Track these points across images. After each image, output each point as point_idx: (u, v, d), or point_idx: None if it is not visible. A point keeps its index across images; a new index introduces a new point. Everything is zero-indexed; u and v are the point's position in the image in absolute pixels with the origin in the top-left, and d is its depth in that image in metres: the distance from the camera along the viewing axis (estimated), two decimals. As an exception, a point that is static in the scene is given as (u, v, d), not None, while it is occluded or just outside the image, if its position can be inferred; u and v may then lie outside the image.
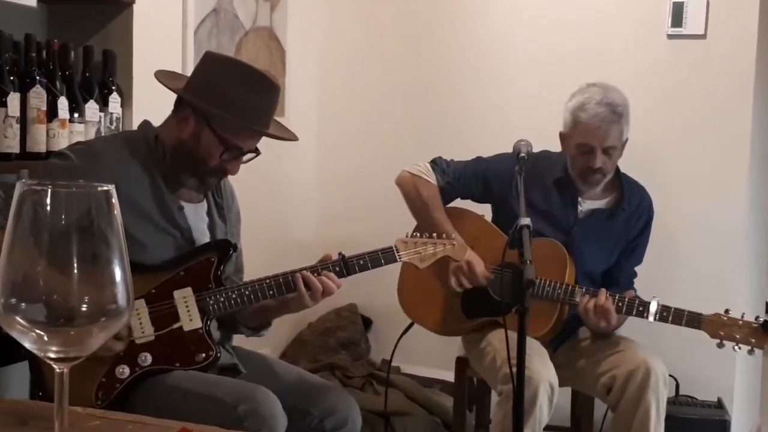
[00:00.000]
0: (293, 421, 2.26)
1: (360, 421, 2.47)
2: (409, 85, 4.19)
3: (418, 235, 2.47)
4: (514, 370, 2.15)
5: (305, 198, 4.40)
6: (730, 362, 3.61)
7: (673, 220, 3.56)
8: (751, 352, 2.67)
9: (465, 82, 4.08)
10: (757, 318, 2.67)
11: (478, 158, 3.17)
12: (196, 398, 2.17)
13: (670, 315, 2.71)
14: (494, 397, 2.96)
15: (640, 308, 2.76)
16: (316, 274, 2.34)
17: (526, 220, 2.27)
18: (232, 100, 2.23)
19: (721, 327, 2.64)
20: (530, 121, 3.65)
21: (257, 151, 2.36)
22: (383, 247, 2.43)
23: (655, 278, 3.26)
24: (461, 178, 3.12)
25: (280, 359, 3.07)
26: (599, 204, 3.06)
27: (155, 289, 2.28)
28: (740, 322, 2.65)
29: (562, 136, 3.01)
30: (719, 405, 3.53)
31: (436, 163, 3.14)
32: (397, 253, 2.44)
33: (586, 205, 3.04)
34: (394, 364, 3.87)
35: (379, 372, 4.00)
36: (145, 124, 2.40)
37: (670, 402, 3.35)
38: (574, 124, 2.89)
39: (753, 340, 2.64)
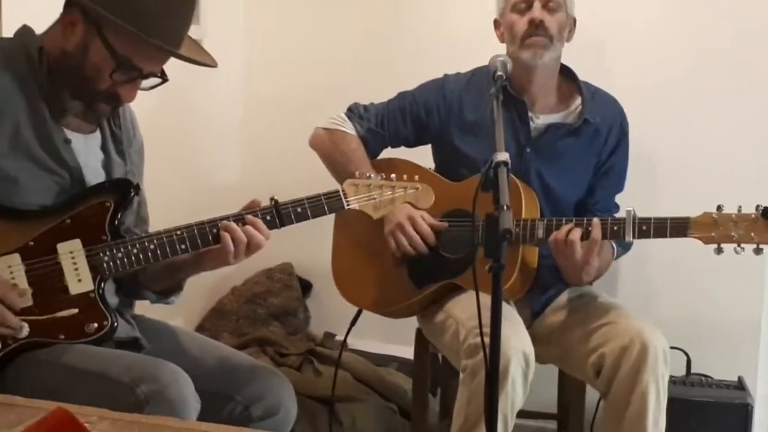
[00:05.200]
0: (211, 408, 2.22)
1: (295, 409, 2.45)
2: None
3: (371, 176, 2.40)
4: (486, 339, 2.06)
5: (228, 132, 4.29)
6: (754, 334, 3.61)
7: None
8: (757, 251, 2.62)
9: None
10: (758, 207, 2.63)
11: (400, 94, 3.19)
12: (85, 377, 2.11)
13: (651, 227, 2.72)
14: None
15: (615, 227, 2.76)
16: (240, 224, 2.27)
17: (503, 156, 2.16)
18: (132, 3, 2.12)
19: (712, 227, 2.64)
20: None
21: (163, 77, 2.26)
22: (327, 191, 2.37)
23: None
24: (384, 121, 3.14)
25: (195, 332, 2.98)
26: (556, 117, 3.08)
27: (34, 240, 2.19)
28: (734, 216, 2.64)
29: (497, 23, 3.09)
30: (740, 385, 3.49)
31: (351, 111, 3.17)
32: (345, 198, 2.36)
33: (539, 120, 3.05)
34: (338, 337, 3.95)
35: (321, 348, 3.95)
36: (25, 30, 2.28)
37: (680, 382, 3.43)
38: None
39: (754, 235, 2.62)
